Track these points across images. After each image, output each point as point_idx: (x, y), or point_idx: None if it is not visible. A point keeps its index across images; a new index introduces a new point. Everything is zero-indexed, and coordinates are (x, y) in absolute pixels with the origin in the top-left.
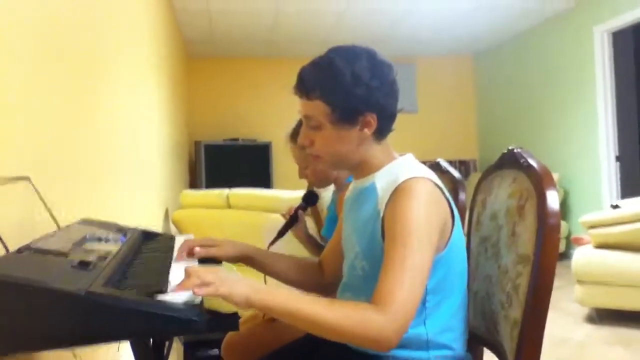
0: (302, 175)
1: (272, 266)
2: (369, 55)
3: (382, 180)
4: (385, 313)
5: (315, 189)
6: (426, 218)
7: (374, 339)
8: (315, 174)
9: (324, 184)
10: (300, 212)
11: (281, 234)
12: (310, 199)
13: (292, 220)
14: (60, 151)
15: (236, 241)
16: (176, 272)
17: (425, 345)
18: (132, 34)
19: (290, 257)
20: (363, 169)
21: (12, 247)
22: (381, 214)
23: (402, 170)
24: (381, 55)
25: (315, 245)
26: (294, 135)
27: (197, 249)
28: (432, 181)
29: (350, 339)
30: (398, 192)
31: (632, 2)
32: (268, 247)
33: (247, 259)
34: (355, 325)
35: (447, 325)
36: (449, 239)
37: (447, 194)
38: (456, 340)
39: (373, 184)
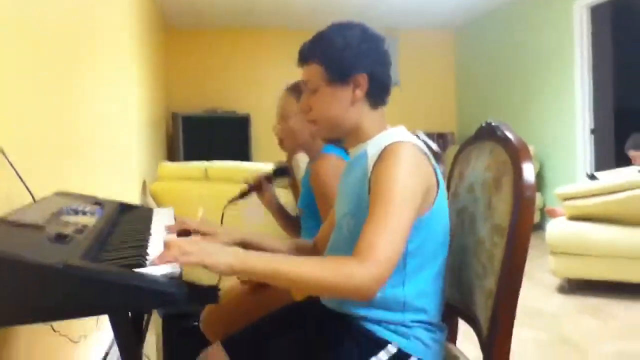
0: (278, 131)
1: (267, 249)
2: (362, 27)
3: (373, 147)
4: (366, 264)
5: (284, 162)
6: (410, 178)
7: (355, 289)
8: (290, 132)
9: (295, 147)
10: (264, 182)
11: (240, 196)
12: (282, 172)
13: (254, 187)
14: (35, 123)
15: (231, 229)
16: (155, 245)
17: (402, 306)
18: (109, 5)
19: (286, 240)
20: (357, 136)
21: None
22: (368, 175)
23: (390, 136)
24: (373, 29)
25: (284, 216)
26: (291, 88)
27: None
28: (417, 146)
29: (333, 291)
30: (384, 154)
31: None
32: (225, 206)
33: (242, 243)
34: (336, 277)
35: (425, 290)
36: (433, 204)
37: (434, 162)
38: (433, 306)
39: (365, 151)
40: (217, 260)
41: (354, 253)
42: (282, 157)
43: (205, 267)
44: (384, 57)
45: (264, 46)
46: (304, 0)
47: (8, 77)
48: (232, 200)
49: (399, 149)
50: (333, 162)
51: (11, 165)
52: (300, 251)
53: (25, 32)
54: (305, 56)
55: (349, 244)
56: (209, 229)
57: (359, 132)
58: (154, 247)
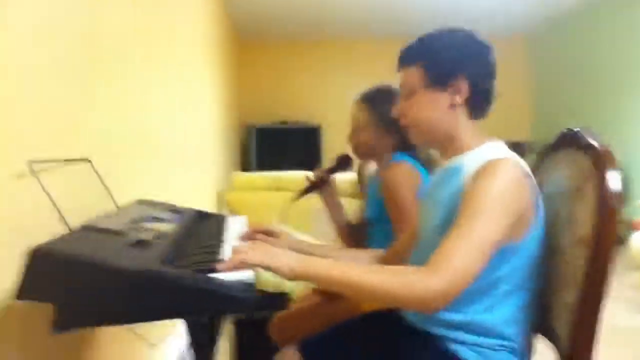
0: (353, 140)
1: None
2: (467, 32)
3: (471, 161)
4: (436, 274)
5: (357, 176)
6: (504, 197)
7: (419, 298)
8: (361, 139)
9: (369, 154)
10: (328, 175)
11: (303, 193)
12: (344, 161)
13: (320, 182)
14: (119, 135)
15: (294, 238)
16: (228, 251)
17: (488, 332)
18: (184, 17)
19: (349, 250)
20: (452, 146)
21: (74, 226)
22: (464, 189)
23: (492, 151)
24: (480, 36)
25: (341, 219)
26: (366, 97)
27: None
28: (522, 168)
29: (395, 299)
30: (483, 169)
31: None
32: (288, 205)
33: (303, 253)
34: (400, 284)
35: (514, 317)
36: (528, 231)
37: (537, 186)
38: (519, 335)
39: (461, 164)
40: (278, 261)
41: (428, 262)
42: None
43: (267, 268)
44: (489, 66)
45: (333, 57)
46: (376, 10)
47: (94, 92)
48: (294, 199)
49: (500, 166)
50: (405, 171)
51: (97, 174)
52: (371, 261)
53: (105, 43)
54: (406, 59)
55: None
56: (273, 231)
57: (455, 142)
58: (226, 253)
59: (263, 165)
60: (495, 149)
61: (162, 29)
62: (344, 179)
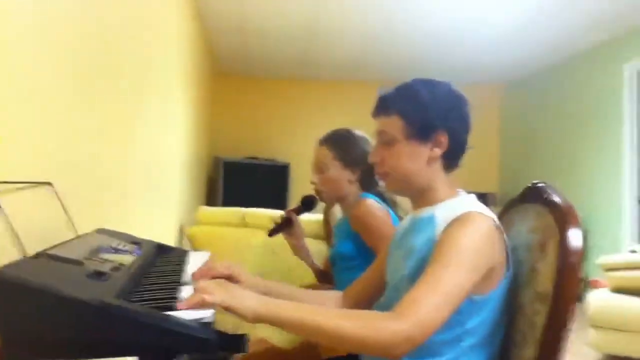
0: (317, 180)
1: (293, 299)
2: (447, 84)
3: (444, 212)
4: (400, 320)
5: (323, 218)
6: (476, 250)
7: (383, 344)
8: (329, 182)
9: (331, 196)
10: (293, 215)
11: (271, 233)
12: (308, 202)
13: (285, 223)
14: (83, 160)
15: (258, 279)
16: (188, 288)
17: None
18: (162, 50)
19: (312, 291)
20: (426, 197)
21: (31, 251)
22: (436, 240)
23: (466, 205)
24: (458, 89)
25: (309, 262)
26: (330, 138)
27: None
28: (494, 222)
29: (358, 344)
30: (457, 220)
31: None
32: (268, 236)
33: (270, 294)
34: (364, 330)
35: None
36: (497, 286)
37: (508, 242)
38: None
39: (432, 215)
40: (241, 303)
41: (395, 309)
42: (319, 208)
43: (228, 309)
44: (467, 119)
45: (307, 97)
46: (353, 54)
47: (57, 115)
48: (271, 234)
49: (474, 219)
50: (374, 204)
51: (59, 199)
52: (326, 302)
53: (75, 69)
54: (386, 106)
55: None
56: (235, 274)
57: (429, 193)
58: (187, 290)
59: (230, 200)
60: (469, 202)
61: (134, 58)
62: (310, 219)
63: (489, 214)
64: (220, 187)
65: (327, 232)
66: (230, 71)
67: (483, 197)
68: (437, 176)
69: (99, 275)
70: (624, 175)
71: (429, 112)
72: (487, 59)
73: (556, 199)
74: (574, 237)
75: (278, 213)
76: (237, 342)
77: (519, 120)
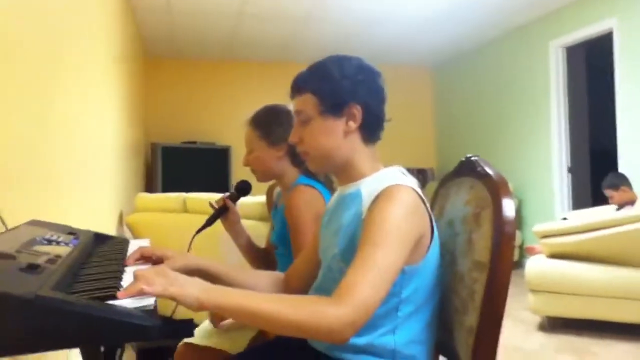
0: (246, 161)
1: (232, 278)
2: (358, 59)
3: (368, 187)
4: (342, 305)
5: (265, 200)
6: (403, 224)
7: (327, 330)
8: (259, 161)
9: (266, 175)
10: (229, 202)
11: (207, 224)
12: (243, 188)
13: (220, 210)
14: (9, 150)
15: (190, 255)
16: (129, 277)
17: (391, 354)
18: (86, 30)
19: (250, 270)
20: (349, 173)
21: None
22: (363, 217)
23: (389, 177)
24: (370, 64)
25: (249, 245)
26: (253, 119)
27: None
28: (416, 192)
29: (303, 331)
30: (381, 196)
31: (584, 20)
32: (194, 236)
33: (201, 272)
34: (308, 317)
35: (417, 338)
36: (426, 252)
37: (429, 209)
38: (423, 354)
39: (358, 190)
40: (183, 291)
41: (334, 294)
42: (262, 190)
43: (171, 298)
44: (380, 91)
45: (245, 79)
46: (283, 35)
47: None
48: (199, 230)
49: (398, 192)
50: (308, 195)
51: None
52: (266, 281)
53: (0, 54)
54: (300, 86)
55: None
56: (163, 253)
57: (351, 168)
58: (128, 279)
59: (169, 186)
60: (391, 175)
61: (63, 41)
62: (253, 201)
63: (411, 185)
64: (159, 173)
65: (270, 213)
66: (161, 54)
67: (422, 173)
68: (356, 150)
69: (33, 268)
70: (554, 146)
71: (339, 86)
72: (417, 40)
73: (488, 171)
74: (507, 207)
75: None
76: (182, 327)
77: (451, 99)
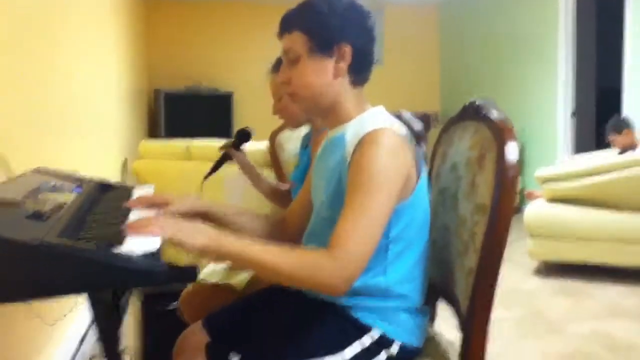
0: (276, 110)
1: (231, 221)
2: None
3: (351, 130)
4: (337, 259)
5: (269, 147)
6: (388, 167)
7: (324, 284)
8: (288, 108)
9: (297, 122)
10: (232, 149)
11: (212, 170)
12: (243, 135)
13: (223, 158)
14: (13, 99)
15: (190, 197)
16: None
17: (384, 293)
18: None
19: (251, 211)
20: (335, 115)
21: None
22: (347, 162)
23: (370, 121)
24: (360, 3)
25: (261, 182)
26: (275, 66)
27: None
28: (398, 132)
29: (303, 284)
30: (363, 142)
31: None
32: (202, 181)
33: (203, 214)
34: (307, 271)
35: (408, 276)
36: (414, 188)
37: (414, 144)
38: (415, 291)
39: (343, 134)
40: (191, 237)
41: (328, 246)
42: (264, 133)
43: (178, 243)
44: (370, 31)
45: (249, 23)
46: None
47: None
48: (206, 176)
49: (378, 137)
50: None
51: None
52: (266, 222)
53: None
54: (288, 24)
55: (328, 231)
56: (164, 198)
57: (338, 111)
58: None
59: (172, 133)
60: (375, 117)
61: None
62: (256, 149)
63: (393, 126)
64: (162, 119)
65: (274, 159)
66: None
67: (426, 117)
68: (344, 91)
69: (39, 215)
70: (558, 90)
71: (329, 24)
72: None
73: (493, 114)
74: (511, 151)
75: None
76: (186, 272)
77: (457, 41)
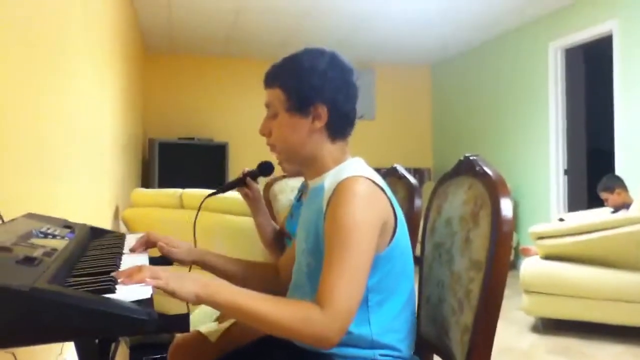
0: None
1: (227, 269)
2: (332, 55)
3: (329, 180)
4: (326, 312)
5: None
6: (364, 217)
7: (316, 337)
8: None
9: (292, 171)
10: (248, 178)
11: (221, 189)
12: (265, 168)
13: (239, 182)
14: (6, 143)
15: (192, 249)
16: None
17: (370, 344)
18: (87, 24)
19: (246, 260)
20: (315, 167)
21: None
22: (323, 212)
23: (346, 170)
24: (344, 59)
25: (264, 225)
26: None
27: (161, 243)
28: (371, 180)
29: (294, 336)
30: (338, 191)
31: (585, 22)
32: (205, 198)
33: (201, 262)
34: (298, 324)
35: (391, 326)
36: (392, 238)
37: (390, 194)
38: (401, 342)
39: (322, 184)
40: (183, 286)
41: (317, 299)
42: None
43: (171, 292)
44: (349, 88)
45: (243, 76)
46: (282, 32)
47: None
48: (214, 193)
49: (352, 185)
50: None
51: None
52: (259, 271)
53: None
54: (270, 79)
55: (309, 282)
56: (172, 242)
57: (317, 164)
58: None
59: (166, 182)
60: (352, 166)
61: (61, 34)
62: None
63: (367, 174)
64: (155, 169)
65: (268, 208)
66: (160, 50)
67: (418, 172)
68: (323, 146)
69: (29, 260)
70: (551, 148)
71: (307, 84)
72: (417, 39)
73: (487, 170)
74: (505, 207)
75: (219, 194)
76: (178, 321)
77: (450, 99)
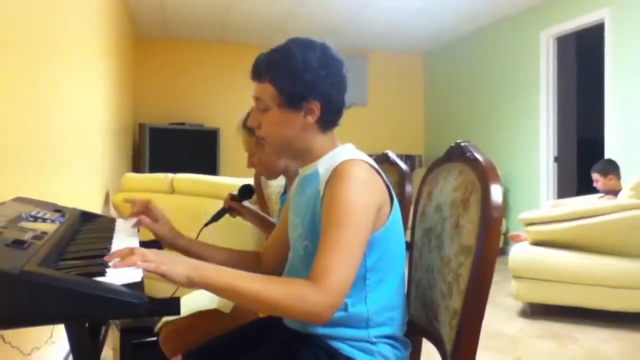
0: (250, 164)
1: (208, 258)
2: (323, 48)
3: (324, 166)
4: (319, 289)
5: (253, 183)
6: (361, 198)
7: (309, 313)
8: (262, 163)
9: (271, 174)
10: (233, 202)
11: (212, 220)
12: (245, 192)
13: (224, 211)
14: None
15: (179, 235)
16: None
17: (366, 323)
18: (76, 9)
19: (227, 249)
20: (306, 157)
21: None
22: (321, 194)
23: (341, 154)
24: (335, 51)
25: (268, 224)
26: (246, 122)
27: (143, 217)
28: (367, 163)
29: (287, 313)
30: (335, 174)
31: (575, 11)
32: (200, 230)
33: (182, 249)
34: (291, 301)
35: (387, 304)
36: (387, 219)
37: (385, 177)
38: (395, 320)
39: (316, 170)
40: (174, 269)
41: (309, 277)
42: (250, 172)
43: (162, 275)
44: (341, 81)
45: (235, 61)
46: (275, 19)
47: None
48: (207, 224)
49: (349, 168)
50: None
51: None
52: (241, 260)
53: None
54: (259, 73)
55: (306, 265)
56: (158, 216)
57: (309, 154)
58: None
59: (157, 168)
60: (347, 151)
61: (52, 20)
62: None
63: (363, 158)
64: (146, 154)
65: (259, 196)
66: (150, 35)
67: (410, 159)
68: (313, 138)
69: (19, 243)
70: (541, 136)
71: (299, 81)
72: (410, 27)
73: (478, 156)
74: (495, 193)
75: (205, 178)
76: (168, 304)
77: (442, 86)
